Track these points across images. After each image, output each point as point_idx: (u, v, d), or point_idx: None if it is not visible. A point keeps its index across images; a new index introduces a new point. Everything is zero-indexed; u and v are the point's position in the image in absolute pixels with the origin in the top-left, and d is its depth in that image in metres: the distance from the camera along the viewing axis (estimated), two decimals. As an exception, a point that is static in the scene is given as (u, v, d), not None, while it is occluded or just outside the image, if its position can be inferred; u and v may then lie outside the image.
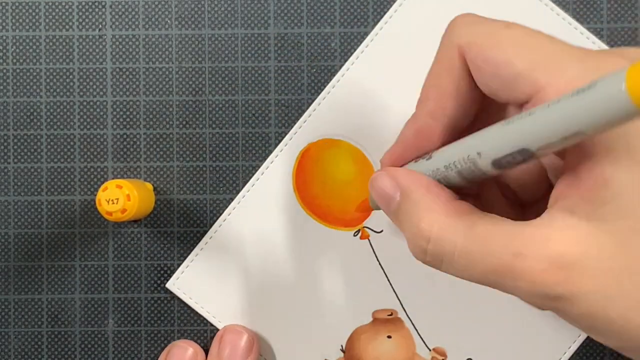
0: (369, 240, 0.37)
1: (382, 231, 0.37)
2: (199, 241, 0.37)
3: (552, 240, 0.20)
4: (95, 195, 0.37)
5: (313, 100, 0.37)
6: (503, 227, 0.22)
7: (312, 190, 0.37)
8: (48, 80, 0.37)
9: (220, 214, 0.37)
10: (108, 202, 0.32)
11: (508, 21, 0.24)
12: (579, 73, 0.21)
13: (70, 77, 0.37)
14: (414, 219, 0.24)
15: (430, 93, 0.26)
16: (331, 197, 0.37)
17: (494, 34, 0.24)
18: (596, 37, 0.36)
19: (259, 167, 0.37)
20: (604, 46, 0.36)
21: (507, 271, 0.21)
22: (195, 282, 0.37)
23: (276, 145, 0.37)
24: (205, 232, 0.37)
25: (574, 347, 0.36)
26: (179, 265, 0.37)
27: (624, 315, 0.20)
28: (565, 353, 0.36)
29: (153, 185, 0.37)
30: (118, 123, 0.37)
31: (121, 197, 0.32)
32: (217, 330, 0.37)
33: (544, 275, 0.20)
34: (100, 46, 0.37)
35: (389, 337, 0.37)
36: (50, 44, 0.37)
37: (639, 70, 0.17)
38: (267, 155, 0.37)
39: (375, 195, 0.27)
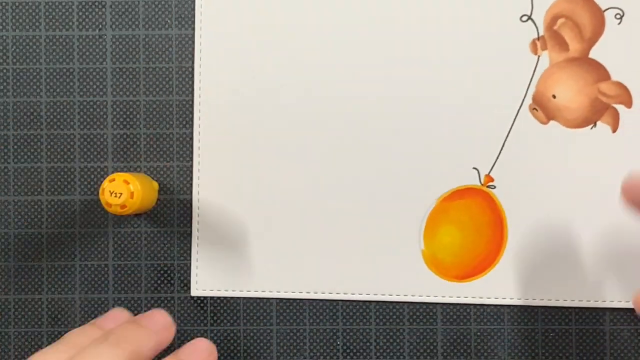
0: None
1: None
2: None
3: None
4: (96, 195, 0.37)
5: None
6: None
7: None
8: (48, 80, 0.37)
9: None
10: (111, 193, 0.32)
11: None
12: None
13: (70, 77, 0.37)
14: None
15: None
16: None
17: None
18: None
19: (259, 166, 0.37)
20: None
21: None
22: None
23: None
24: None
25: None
26: (179, 265, 0.37)
27: None
28: None
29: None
30: (118, 123, 0.37)
31: (125, 193, 0.32)
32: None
33: None
34: (100, 46, 0.37)
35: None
36: (50, 44, 0.37)
37: None
38: (267, 155, 0.37)
39: None
